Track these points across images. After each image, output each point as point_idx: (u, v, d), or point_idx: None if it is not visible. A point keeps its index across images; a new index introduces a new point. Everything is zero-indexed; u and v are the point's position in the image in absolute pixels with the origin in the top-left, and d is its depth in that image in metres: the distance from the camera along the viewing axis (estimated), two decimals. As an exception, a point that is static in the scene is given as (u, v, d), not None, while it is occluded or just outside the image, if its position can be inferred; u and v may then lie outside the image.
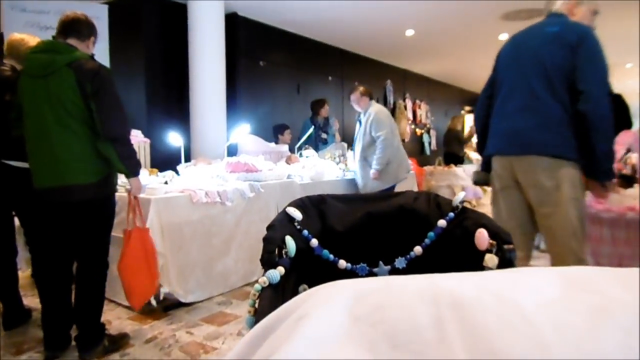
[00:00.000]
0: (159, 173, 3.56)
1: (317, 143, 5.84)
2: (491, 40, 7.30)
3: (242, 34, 5.83)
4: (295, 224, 1.34)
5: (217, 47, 4.89)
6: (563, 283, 0.63)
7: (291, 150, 4.95)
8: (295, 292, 1.11)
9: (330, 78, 7.49)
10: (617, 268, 0.71)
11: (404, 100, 9.62)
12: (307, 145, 5.15)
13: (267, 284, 0.95)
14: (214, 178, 3.53)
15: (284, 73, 6.60)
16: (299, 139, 5.52)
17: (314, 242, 1.35)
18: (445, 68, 9.71)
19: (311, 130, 5.16)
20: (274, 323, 0.63)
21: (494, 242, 1.12)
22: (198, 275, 3.02)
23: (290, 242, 1.19)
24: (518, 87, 2.06)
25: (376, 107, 4.39)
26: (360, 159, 4.31)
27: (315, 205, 1.47)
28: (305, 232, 1.35)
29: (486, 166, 2.27)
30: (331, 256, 1.37)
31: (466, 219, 1.32)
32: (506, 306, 0.57)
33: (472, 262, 1.16)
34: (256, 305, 0.92)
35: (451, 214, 1.38)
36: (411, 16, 6.14)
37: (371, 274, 1.41)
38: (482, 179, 2.35)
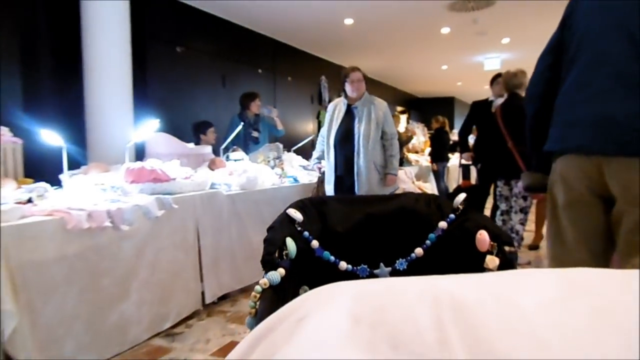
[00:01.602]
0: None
1: (247, 143, 5.00)
2: (433, 34, 6.88)
3: (152, 12, 4.84)
4: (296, 225, 1.34)
5: (119, 27, 3.90)
6: (563, 284, 0.63)
7: (215, 152, 4.08)
8: (295, 294, 1.00)
9: (260, 71, 6.66)
10: (617, 269, 0.71)
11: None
12: (235, 147, 4.30)
13: (267, 285, 0.96)
14: (108, 191, 2.60)
15: (207, 62, 5.68)
16: (226, 139, 4.67)
17: (315, 243, 1.36)
18: (383, 66, 9.24)
19: (240, 127, 4.31)
20: (274, 324, 0.63)
21: (495, 244, 1.12)
22: (78, 334, 2.09)
23: (290, 243, 1.20)
24: (613, 52, 1.36)
25: (378, 98, 3.66)
26: (368, 159, 3.47)
27: (316, 207, 1.47)
28: (306, 233, 1.36)
29: (544, 166, 1.59)
30: (332, 257, 1.38)
31: (467, 221, 1.32)
32: (506, 308, 0.57)
33: (473, 263, 1.15)
34: (257, 307, 0.92)
35: (452, 216, 1.37)
36: (351, 3, 5.50)
37: (372, 275, 1.41)
38: (538, 183, 1.63)
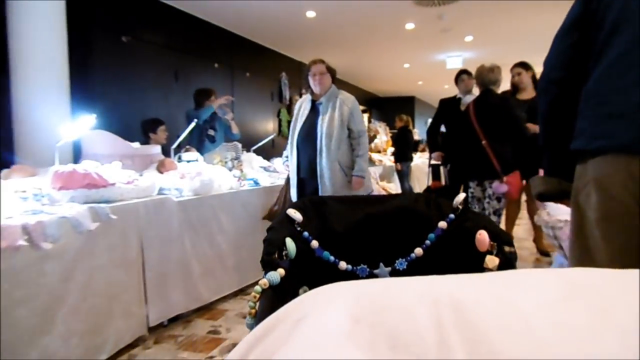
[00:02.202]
0: None
1: (202, 143, 4.59)
2: (398, 30, 6.68)
3: (94, -4, 4.35)
4: (296, 225, 1.34)
5: (53, 11, 3.41)
6: (563, 284, 0.63)
7: (166, 152, 3.66)
8: (295, 294, 0.95)
9: (216, 65, 6.23)
10: (617, 269, 0.70)
11: (300, 96, 8.69)
12: (188, 146, 3.90)
13: (267, 285, 0.96)
14: (30, 200, 2.16)
15: (158, 54, 5.21)
16: (177, 137, 4.26)
17: (315, 243, 1.36)
18: (345, 63, 8.96)
19: (193, 124, 3.91)
20: (274, 325, 0.63)
21: (495, 244, 1.11)
22: (-16, 381, 1.67)
23: (290, 243, 1.19)
24: None
25: (346, 93, 3.33)
26: (331, 160, 3.15)
27: (316, 207, 1.47)
28: (306, 233, 1.36)
29: (562, 169, 1.32)
30: (332, 257, 1.38)
31: (467, 221, 1.32)
32: (506, 308, 0.57)
33: (473, 263, 1.13)
34: (256, 307, 0.91)
35: (452, 216, 1.37)
36: (314, -7, 5.19)
37: (372, 275, 1.41)
38: (554, 190, 1.35)
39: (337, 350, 0.53)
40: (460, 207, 1.38)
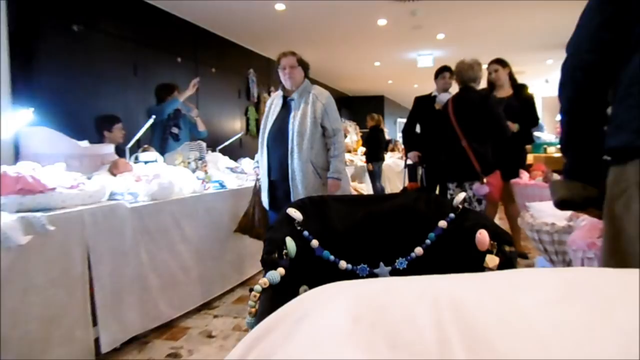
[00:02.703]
0: None
1: (165, 141, 4.26)
2: (369, 26, 6.48)
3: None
4: (296, 224, 1.33)
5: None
6: (563, 284, 0.63)
7: (121, 152, 3.32)
8: (295, 293, 0.92)
9: (179, 59, 5.86)
10: (617, 269, 0.70)
11: (269, 94, 8.40)
12: (146, 145, 3.56)
13: (267, 285, 0.95)
14: (-52, 208, 1.81)
15: (115, 46, 4.81)
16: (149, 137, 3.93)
17: (315, 242, 1.36)
18: (316, 61, 8.64)
19: (150, 121, 3.58)
20: (274, 324, 0.62)
21: (495, 243, 1.11)
22: None
23: (290, 243, 1.19)
24: None
25: (320, 88, 3.08)
26: (303, 161, 2.88)
27: (316, 206, 1.45)
28: (306, 232, 1.35)
29: (591, 171, 1.11)
30: (332, 257, 1.37)
31: (467, 220, 1.32)
32: (506, 307, 0.57)
33: (473, 262, 1.13)
34: (256, 307, 0.91)
35: (452, 215, 1.37)
36: (283, -16, 4.92)
37: (372, 274, 1.40)
38: (579, 196, 1.14)
39: (337, 349, 0.53)
40: (461, 206, 1.37)
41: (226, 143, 4.67)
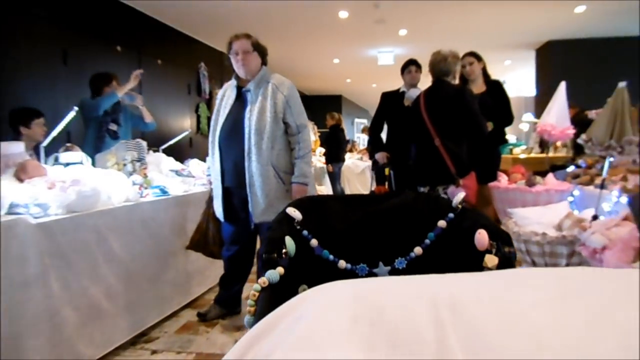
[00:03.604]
0: None
1: (101, 140, 3.68)
2: (330, 18, 6.10)
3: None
4: (295, 224, 1.34)
5: None
6: (561, 284, 0.63)
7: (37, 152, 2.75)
8: (294, 292, 0.89)
9: (119, 48, 5.24)
10: (615, 268, 0.76)
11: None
12: (69, 144, 2.99)
13: (266, 284, 0.95)
14: None
15: (40, 32, 4.16)
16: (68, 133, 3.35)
17: (314, 242, 1.36)
18: (273, 57, 8.17)
19: (72, 114, 3.01)
20: (273, 323, 0.62)
21: (494, 243, 1.11)
22: None
23: (290, 242, 1.19)
24: None
25: (281, 77, 2.65)
26: (263, 163, 2.44)
27: (315, 205, 1.46)
28: (305, 232, 1.36)
29: None
30: (331, 256, 1.36)
31: (466, 220, 1.31)
32: (505, 306, 0.57)
33: (472, 262, 1.14)
34: (256, 306, 0.90)
35: (451, 215, 1.36)
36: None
37: (371, 274, 1.40)
38: None
39: (337, 348, 0.53)
40: (460, 206, 1.36)
41: (171, 142, 4.12)
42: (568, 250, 2.38)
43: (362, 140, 15.30)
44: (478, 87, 3.65)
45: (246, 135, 2.45)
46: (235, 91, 2.58)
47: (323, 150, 8.35)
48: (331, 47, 7.78)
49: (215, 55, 7.40)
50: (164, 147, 4.06)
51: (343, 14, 5.92)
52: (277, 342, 0.57)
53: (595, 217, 2.34)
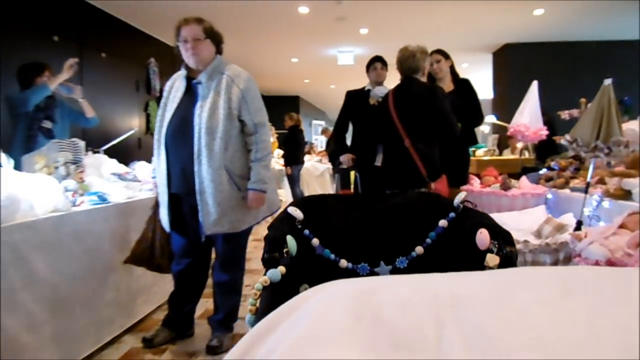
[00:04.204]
0: None
1: (33, 139, 3.24)
2: (289, 14, 5.83)
3: None
4: (297, 223, 1.33)
5: None
6: (561, 282, 0.62)
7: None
8: (296, 291, 0.96)
9: (56, 38, 4.73)
10: (616, 267, 0.74)
11: (174, 88, 7.39)
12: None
13: (268, 283, 0.95)
14: None
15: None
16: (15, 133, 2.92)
17: (315, 241, 1.35)
18: (226, 53, 7.87)
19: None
20: (274, 322, 0.62)
21: (495, 242, 1.11)
22: None
23: (291, 241, 1.18)
24: None
25: (238, 68, 2.32)
26: (215, 167, 2.13)
27: (317, 205, 1.44)
28: (307, 231, 1.35)
29: None
30: (332, 255, 1.36)
31: (467, 219, 1.30)
32: (505, 305, 0.57)
33: (474, 261, 1.13)
34: (257, 305, 0.91)
35: (452, 214, 1.35)
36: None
37: (372, 273, 1.39)
38: None
39: (338, 348, 0.52)
40: (461, 205, 1.34)
41: (113, 142, 3.70)
42: (552, 259, 2.22)
43: (320, 142, 15.10)
44: (446, 86, 3.48)
45: (196, 135, 2.13)
46: (185, 83, 2.26)
47: (281, 152, 8.05)
48: (290, 45, 7.51)
49: (166, 50, 6.92)
50: (105, 147, 3.63)
51: (303, 10, 5.67)
52: (279, 340, 0.57)
53: (579, 223, 2.19)
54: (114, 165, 3.18)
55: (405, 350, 0.52)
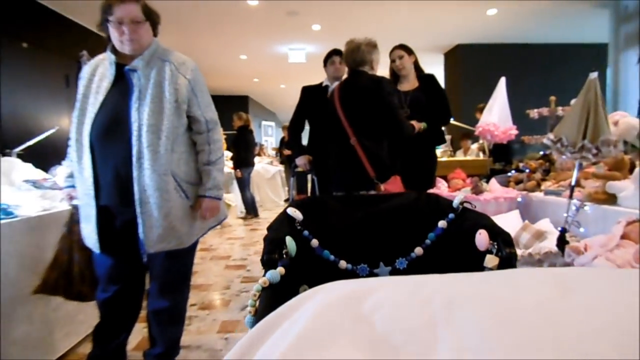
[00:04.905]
0: None
1: None
2: (238, 7, 5.44)
3: None
4: (296, 224, 1.33)
5: None
6: (559, 284, 0.62)
7: None
8: (295, 292, 0.89)
9: (-36, 23, 4.10)
10: (614, 268, 0.72)
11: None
12: None
13: (267, 284, 0.94)
14: None
15: None
16: None
17: (315, 242, 1.35)
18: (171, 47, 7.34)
19: None
20: (274, 323, 0.62)
21: (494, 243, 1.10)
22: None
23: (290, 242, 1.17)
24: None
25: (181, 55, 1.93)
26: (160, 172, 1.76)
27: (316, 206, 1.45)
28: (306, 232, 1.35)
29: None
30: (332, 256, 1.35)
31: (466, 220, 1.30)
32: (501, 306, 0.56)
33: (473, 262, 1.13)
34: (256, 305, 0.91)
35: (451, 215, 1.35)
36: None
37: (372, 274, 1.39)
38: None
39: (337, 348, 0.53)
40: (460, 206, 1.33)
41: (29, 143, 3.17)
42: (536, 271, 2.01)
43: (270, 143, 14.70)
44: (410, 83, 3.26)
45: (134, 134, 1.74)
46: (114, 70, 1.85)
47: (230, 154, 7.62)
48: (238, 40, 7.10)
49: (100, 42, 6.31)
50: (19, 149, 3.10)
51: (252, 2, 5.30)
52: (278, 341, 0.57)
53: (564, 231, 1.99)
54: (28, 170, 2.67)
55: (401, 351, 0.52)
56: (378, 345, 0.53)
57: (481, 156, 5.28)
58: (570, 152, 1.93)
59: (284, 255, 1.13)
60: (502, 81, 3.48)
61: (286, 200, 8.39)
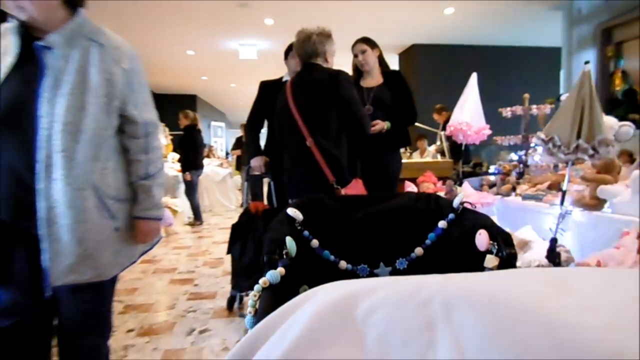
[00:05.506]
0: None
1: None
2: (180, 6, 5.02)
3: None
4: (296, 224, 1.34)
5: None
6: (559, 284, 0.62)
7: None
8: (295, 293, 0.88)
9: None
10: (614, 268, 0.71)
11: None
12: None
13: (267, 284, 0.95)
14: None
15: None
16: None
17: (315, 242, 1.36)
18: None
19: None
20: (273, 323, 0.63)
21: (494, 243, 1.11)
22: None
23: (290, 242, 1.18)
24: None
25: (117, 37, 1.51)
26: (77, 185, 1.34)
27: (316, 206, 1.47)
28: (306, 232, 1.36)
29: None
30: (332, 257, 1.37)
31: (467, 220, 1.31)
32: (499, 307, 0.57)
33: (473, 263, 1.15)
34: (256, 306, 0.92)
35: (451, 215, 1.36)
36: None
37: (372, 274, 1.41)
38: None
39: (337, 348, 0.54)
40: (460, 206, 1.33)
41: None
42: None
43: (219, 145, 14.16)
44: (374, 79, 3.01)
45: (42, 132, 1.33)
46: (20, 44, 1.43)
47: (177, 156, 7.11)
48: (185, 34, 6.63)
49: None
50: None
51: (196, 4, 4.90)
52: (279, 341, 0.57)
53: (554, 241, 1.79)
54: None
55: (399, 353, 0.52)
56: (378, 345, 0.54)
57: (439, 158, 5.15)
58: (563, 152, 1.73)
59: (284, 256, 1.13)
60: (474, 78, 3.31)
61: (240, 206, 7.96)
